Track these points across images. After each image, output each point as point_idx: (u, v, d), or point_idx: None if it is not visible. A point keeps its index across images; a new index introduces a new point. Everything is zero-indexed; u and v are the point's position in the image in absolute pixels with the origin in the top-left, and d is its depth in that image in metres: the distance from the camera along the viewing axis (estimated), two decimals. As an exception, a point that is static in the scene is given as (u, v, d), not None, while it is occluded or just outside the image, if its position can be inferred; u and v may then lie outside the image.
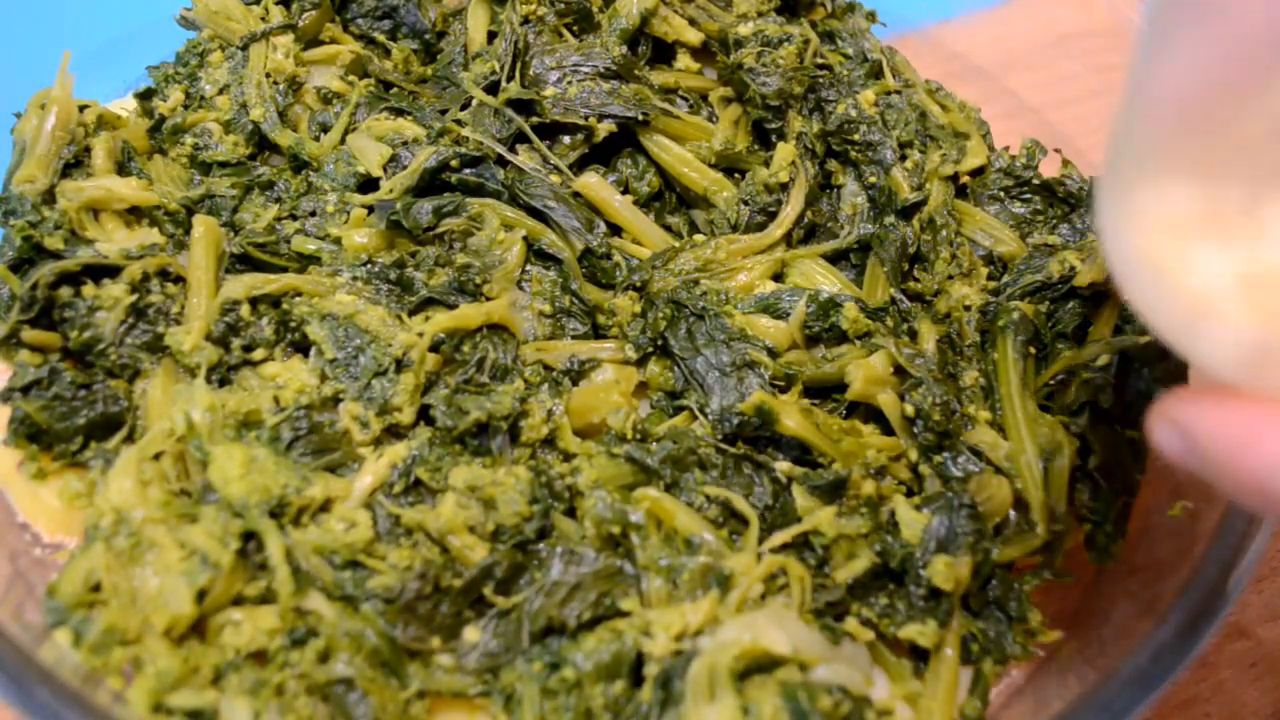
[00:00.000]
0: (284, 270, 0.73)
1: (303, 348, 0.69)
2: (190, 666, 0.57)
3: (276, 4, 0.86)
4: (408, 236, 0.72)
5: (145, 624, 0.58)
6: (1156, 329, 0.40)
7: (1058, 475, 0.67)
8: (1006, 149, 0.85)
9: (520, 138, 0.78)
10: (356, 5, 0.89)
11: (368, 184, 0.77)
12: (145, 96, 0.84)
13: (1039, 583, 0.67)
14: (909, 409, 0.66)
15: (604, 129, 0.78)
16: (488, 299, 0.71)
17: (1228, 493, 0.36)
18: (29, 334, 0.67)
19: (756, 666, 0.56)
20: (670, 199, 0.81)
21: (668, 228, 0.79)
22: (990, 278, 0.78)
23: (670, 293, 0.72)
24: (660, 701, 0.56)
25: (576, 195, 0.76)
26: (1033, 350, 0.72)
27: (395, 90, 0.84)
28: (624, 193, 0.78)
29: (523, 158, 0.77)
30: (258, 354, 0.68)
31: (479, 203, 0.74)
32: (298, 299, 0.69)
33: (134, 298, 0.69)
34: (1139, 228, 0.40)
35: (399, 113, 0.80)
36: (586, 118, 0.78)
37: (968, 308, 0.75)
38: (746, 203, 0.78)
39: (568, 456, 0.66)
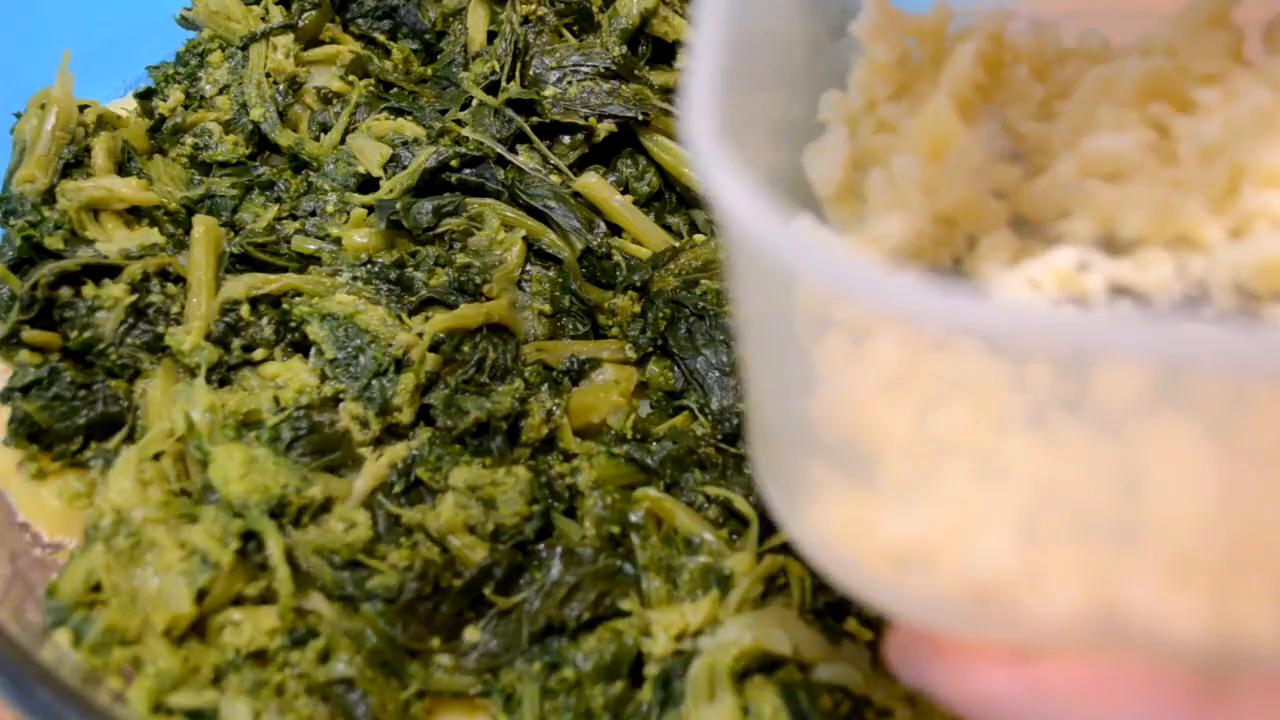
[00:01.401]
0: (284, 270, 0.73)
1: (303, 348, 0.69)
2: (190, 666, 0.57)
3: (276, 4, 0.86)
4: (408, 236, 0.72)
5: (145, 624, 0.58)
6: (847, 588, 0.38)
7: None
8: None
9: (520, 138, 0.78)
10: (356, 5, 0.89)
11: (368, 184, 0.77)
12: (145, 96, 0.84)
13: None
14: (909, 409, 0.66)
15: (604, 129, 0.78)
16: (488, 299, 0.71)
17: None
18: (29, 334, 0.67)
19: (756, 666, 0.56)
20: (670, 199, 0.81)
21: (668, 228, 0.79)
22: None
23: (670, 293, 0.72)
24: (660, 701, 0.56)
25: (576, 195, 0.76)
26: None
27: (395, 90, 0.84)
28: (624, 193, 0.78)
29: (523, 158, 0.77)
30: (258, 354, 0.68)
31: (479, 203, 0.74)
32: (298, 299, 0.69)
33: (134, 298, 0.69)
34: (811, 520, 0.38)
35: (399, 113, 0.80)
36: (586, 118, 0.78)
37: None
38: (746, 203, 0.77)
39: (568, 456, 0.66)
